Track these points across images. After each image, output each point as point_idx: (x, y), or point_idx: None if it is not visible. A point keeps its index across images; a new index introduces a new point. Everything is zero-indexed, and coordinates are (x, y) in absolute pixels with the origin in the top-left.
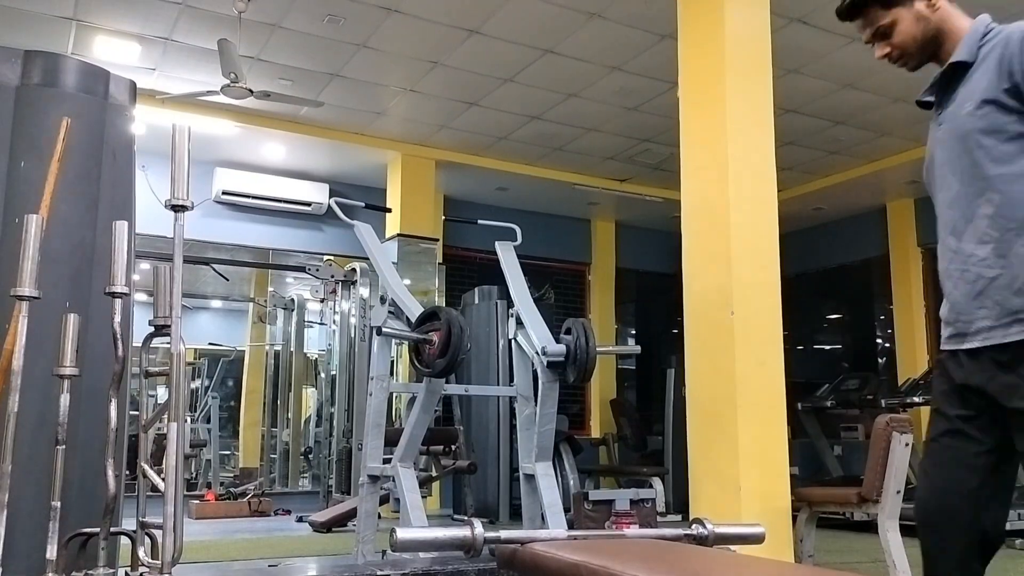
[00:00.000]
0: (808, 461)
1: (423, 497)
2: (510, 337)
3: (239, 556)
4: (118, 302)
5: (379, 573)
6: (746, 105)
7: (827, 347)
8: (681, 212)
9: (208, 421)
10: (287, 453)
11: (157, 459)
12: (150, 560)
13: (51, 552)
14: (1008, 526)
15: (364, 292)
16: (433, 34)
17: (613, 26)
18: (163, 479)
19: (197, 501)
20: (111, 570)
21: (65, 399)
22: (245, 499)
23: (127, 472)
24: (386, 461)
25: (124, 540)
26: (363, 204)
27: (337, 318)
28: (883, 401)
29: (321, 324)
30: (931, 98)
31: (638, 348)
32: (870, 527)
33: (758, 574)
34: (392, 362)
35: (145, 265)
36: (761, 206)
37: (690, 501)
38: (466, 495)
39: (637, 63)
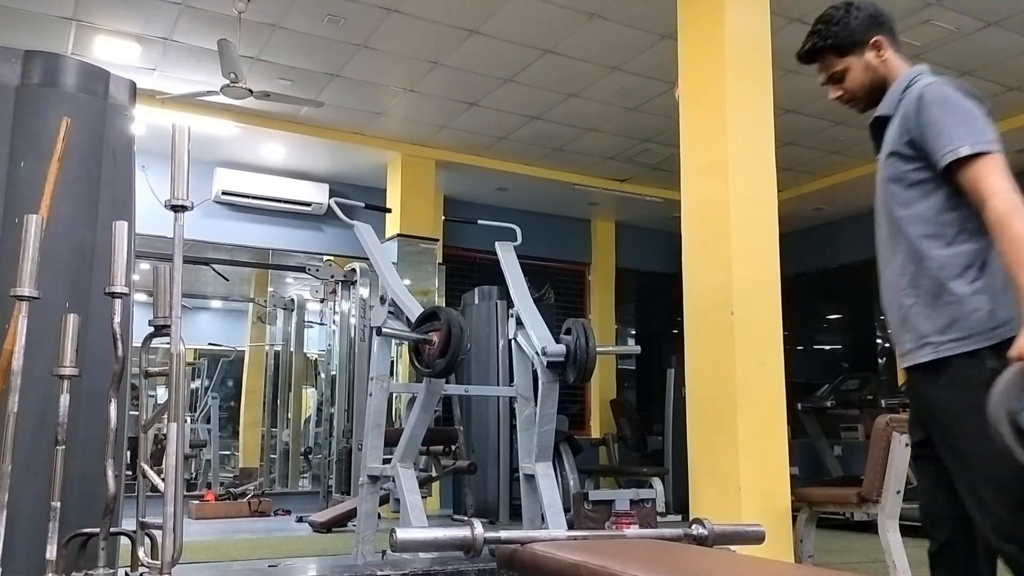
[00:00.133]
0: (808, 461)
1: (423, 497)
2: (510, 337)
3: (239, 556)
4: (118, 302)
5: (379, 573)
6: (746, 105)
7: (827, 347)
8: (681, 212)
9: (208, 421)
10: (287, 453)
11: (157, 459)
12: (150, 560)
13: (51, 552)
14: None
15: (364, 292)
16: (433, 34)
17: (613, 26)
18: (163, 479)
19: (197, 501)
20: (111, 570)
21: (65, 399)
22: (245, 499)
23: (127, 472)
24: (386, 461)
25: (124, 540)
26: (363, 204)
27: (337, 318)
28: (883, 401)
29: (321, 324)
30: (873, 146)
31: (638, 348)
32: (870, 527)
33: (758, 574)
34: (392, 362)
35: (145, 265)
36: (761, 206)
37: (690, 501)
38: (466, 495)
39: (637, 63)
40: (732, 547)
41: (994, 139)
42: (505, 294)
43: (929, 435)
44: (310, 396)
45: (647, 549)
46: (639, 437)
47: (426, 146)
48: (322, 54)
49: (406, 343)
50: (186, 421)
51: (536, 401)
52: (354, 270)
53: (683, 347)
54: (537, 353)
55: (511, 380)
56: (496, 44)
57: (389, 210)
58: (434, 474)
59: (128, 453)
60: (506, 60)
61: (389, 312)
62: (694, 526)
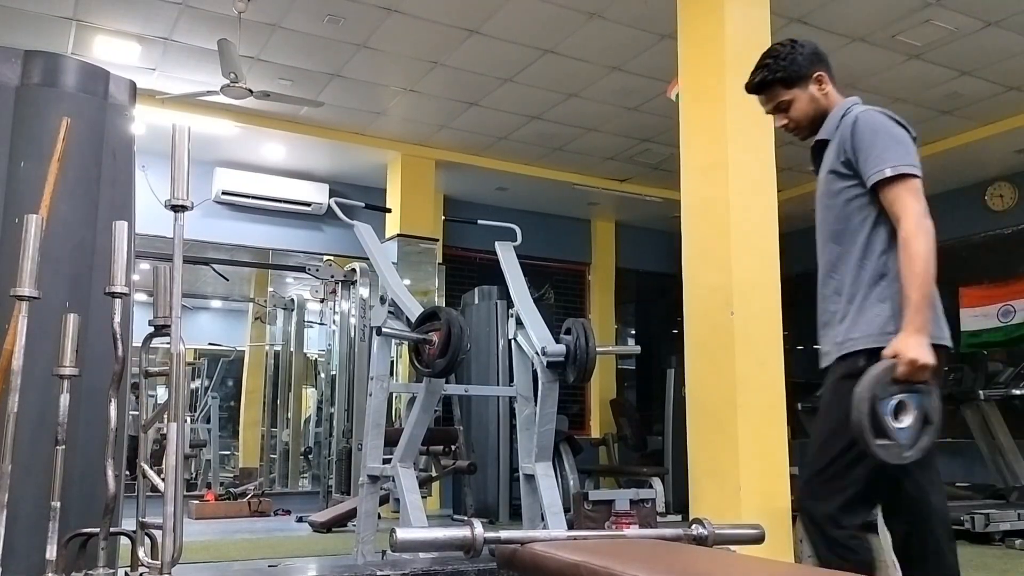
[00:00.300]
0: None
1: (423, 497)
2: (510, 337)
3: (239, 556)
4: (118, 302)
5: (379, 573)
6: (746, 105)
7: None
8: (681, 212)
9: (208, 421)
10: (287, 453)
11: (157, 459)
12: (150, 560)
13: (51, 552)
14: (1008, 526)
15: (364, 292)
16: (433, 34)
17: (613, 26)
18: (163, 479)
19: (197, 501)
20: (111, 570)
21: (65, 399)
22: (245, 499)
23: (127, 472)
24: (386, 461)
25: (124, 540)
26: (363, 204)
27: (337, 318)
28: None
29: (321, 324)
30: (812, 167)
31: (638, 348)
32: (869, 527)
33: (758, 574)
34: (392, 362)
35: (145, 265)
36: (761, 206)
37: (690, 501)
38: (466, 495)
39: (637, 63)
40: (732, 547)
41: (916, 164)
42: (505, 294)
43: None
44: (310, 396)
45: (647, 549)
46: (639, 437)
47: (426, 146)
48: (322, 54)
49: (406, 343)
50: (186, 421)
51: (536, 401)
52: (354, 270)
53: (683, 347)
54: (537, 353)
55: (511, 380)
56: (496, 44)
57: (389, 210)
58: (434, 474)
59: (128, 453)
60: (506, 60)
61: (389, 312)
62: (694, 526)
